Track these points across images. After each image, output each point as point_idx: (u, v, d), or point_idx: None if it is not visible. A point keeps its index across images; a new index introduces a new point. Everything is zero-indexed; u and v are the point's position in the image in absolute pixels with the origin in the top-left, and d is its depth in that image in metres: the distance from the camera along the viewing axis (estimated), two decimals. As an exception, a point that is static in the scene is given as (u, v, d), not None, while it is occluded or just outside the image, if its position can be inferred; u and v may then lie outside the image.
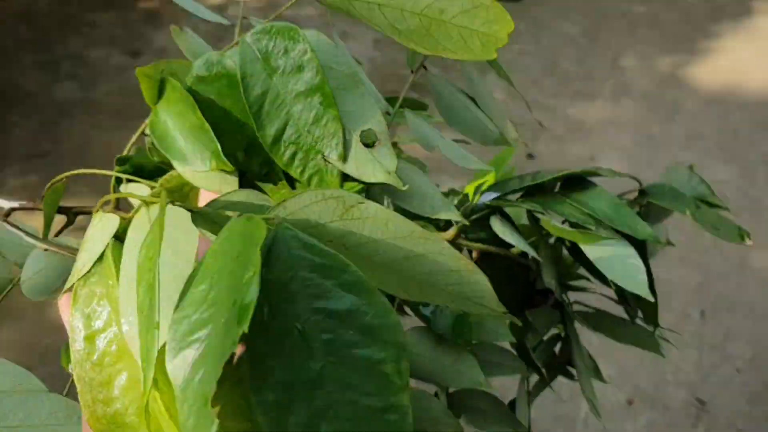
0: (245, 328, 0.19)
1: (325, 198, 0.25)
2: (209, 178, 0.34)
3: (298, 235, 0.23)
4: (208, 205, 0.29)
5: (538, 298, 0.44)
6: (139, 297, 0.24)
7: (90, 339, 0.31)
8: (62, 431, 0.33)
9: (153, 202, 0.30)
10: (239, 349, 0.21)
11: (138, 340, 0.24)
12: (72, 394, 0.36)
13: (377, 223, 0.25)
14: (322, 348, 0.21)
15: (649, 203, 0.47)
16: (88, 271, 0.32)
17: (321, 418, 0.20)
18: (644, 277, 0.38)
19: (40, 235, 0.38)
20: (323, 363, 0.21)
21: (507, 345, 0.45)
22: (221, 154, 0.32)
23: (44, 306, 1.50)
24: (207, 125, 0.32)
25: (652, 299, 0.36)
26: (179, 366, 0.21)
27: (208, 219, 0.28)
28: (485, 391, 0.43)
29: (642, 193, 0.48)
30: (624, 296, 0.46)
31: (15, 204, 0.39)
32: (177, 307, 0.22)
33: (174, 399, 0.23)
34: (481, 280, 0.27)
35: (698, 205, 0.46)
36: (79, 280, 0.32)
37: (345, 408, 0.20)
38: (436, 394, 0.42)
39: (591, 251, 0.39)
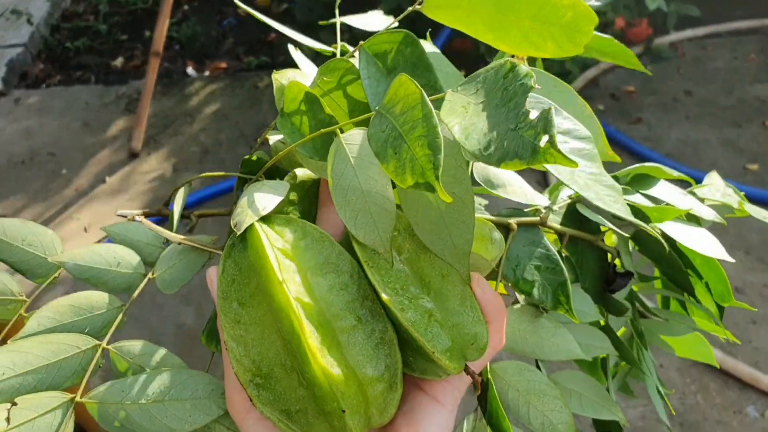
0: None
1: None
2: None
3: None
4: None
5: (619, 280, 0.45)
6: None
7: (240, 302, 0.33)
8: (205, 404, 0.35)
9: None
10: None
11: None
12: (212, 371, 0.38)
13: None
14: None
15: (702, 199, 0.50)
16: (233, 245, 0.34)
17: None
18: (719, 245, 0.40)
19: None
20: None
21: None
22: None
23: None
24: (334, 119, 0.35)
25: (731, 259, 0.39)
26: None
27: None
28: (582, 373, 0.45)
29: (692, 193, 0.51)
30: (683, 284, 0.47)
31: (140, 211, 0.42)
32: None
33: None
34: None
35: (743, 203, 0.49)
36: (224, 253, 0.34)
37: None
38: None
39: (669, 227, 0.41)
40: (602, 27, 2.12)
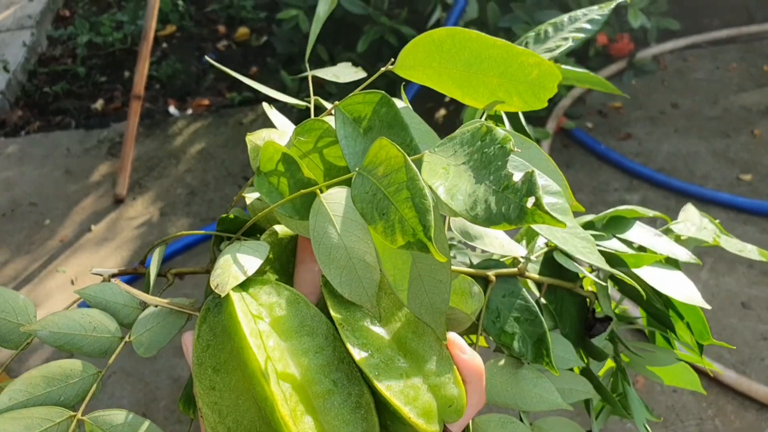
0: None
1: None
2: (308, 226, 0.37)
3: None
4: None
5: (598, 326, 0.46)
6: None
7: (215, 368, 0.34)
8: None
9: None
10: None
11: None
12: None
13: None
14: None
15: (678, 236, 0.51)
16: (208, 309, 0.35)
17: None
18: (695, 289, 0.41)
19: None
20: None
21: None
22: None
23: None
24: (312, 180, 0.36)
25: (708, 306, 0.40)
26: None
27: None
28: (565, 419, 0.45)
29: (668, 231, 0.52)
30: (663, 321, 0.48)
31: (116, 270, 0.43)
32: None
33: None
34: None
35: (718, 235, 0.50)
36: (200, 318, 0.35)
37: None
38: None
39: (644, 273, 0.42)
40: (585, 44, 2.16)
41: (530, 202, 0.27)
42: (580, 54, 2.19)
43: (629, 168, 2.13)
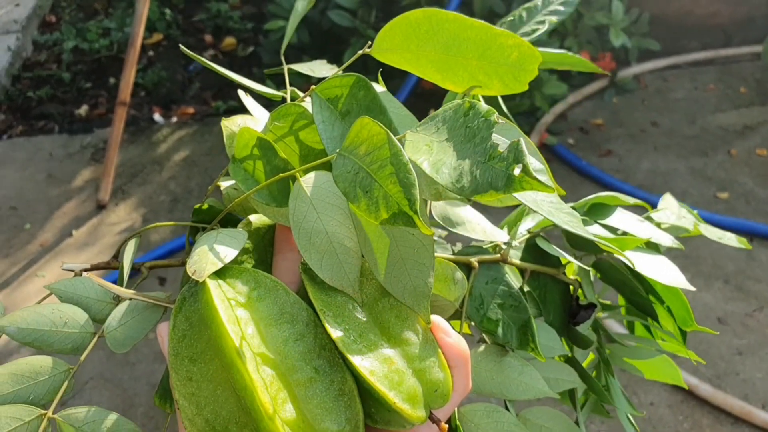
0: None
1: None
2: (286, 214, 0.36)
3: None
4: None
5: (582, 313, 0.45)
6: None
7: (191, 358, 0.32)
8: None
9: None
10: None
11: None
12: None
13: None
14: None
15: (659, 224, 0.51)
16: (184, 299, 0.34)
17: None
18: (679, 272, 0.41)
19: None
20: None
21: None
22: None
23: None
24: (289, 164, 0.35)
25: (692, 288, 0.39)
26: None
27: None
28: (551, 409, 0.44)
29: (648, 219, 0.51)
30: (646, 309, 0.48)
31: (87, 265, 0.41)
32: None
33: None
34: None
35: (698, 223, 0.50)
36: (175, 307, 0.34)
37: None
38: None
39: (629, 257, 0.42)
40: (567, 62, 2.18)
41: (517, 169, 0.26)
42: (563, 71, 2.21)
43: (609, 184, 2.15)
